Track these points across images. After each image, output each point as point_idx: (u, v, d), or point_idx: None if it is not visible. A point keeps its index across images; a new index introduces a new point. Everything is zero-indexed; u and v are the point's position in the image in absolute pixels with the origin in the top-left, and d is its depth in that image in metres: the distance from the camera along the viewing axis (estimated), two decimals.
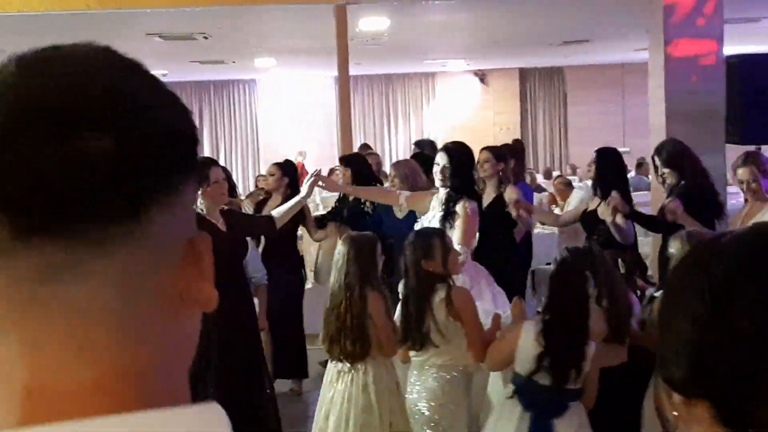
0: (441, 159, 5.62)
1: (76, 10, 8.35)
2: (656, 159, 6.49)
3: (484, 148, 7.03)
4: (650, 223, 6.47)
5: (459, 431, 4.38)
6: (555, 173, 17.23)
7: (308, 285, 7.78)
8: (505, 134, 20.25)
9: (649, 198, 9.51)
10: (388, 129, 20.72)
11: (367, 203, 7.20)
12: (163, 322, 0.72)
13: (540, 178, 15.99)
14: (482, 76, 20.19)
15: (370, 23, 10.97)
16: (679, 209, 5.50)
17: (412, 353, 4.42)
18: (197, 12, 9.23)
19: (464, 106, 20.38)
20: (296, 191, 7.11)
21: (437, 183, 5.64)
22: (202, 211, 5.17)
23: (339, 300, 4.41)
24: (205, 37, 11.96)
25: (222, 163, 19.65)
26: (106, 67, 0.74)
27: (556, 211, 10.50)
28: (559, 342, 3.79)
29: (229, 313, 5.22)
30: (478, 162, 6.59)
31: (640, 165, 15.29)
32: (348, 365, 4.43)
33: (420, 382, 4.38)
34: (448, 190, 5.53)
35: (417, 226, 5.40)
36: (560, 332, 3.80)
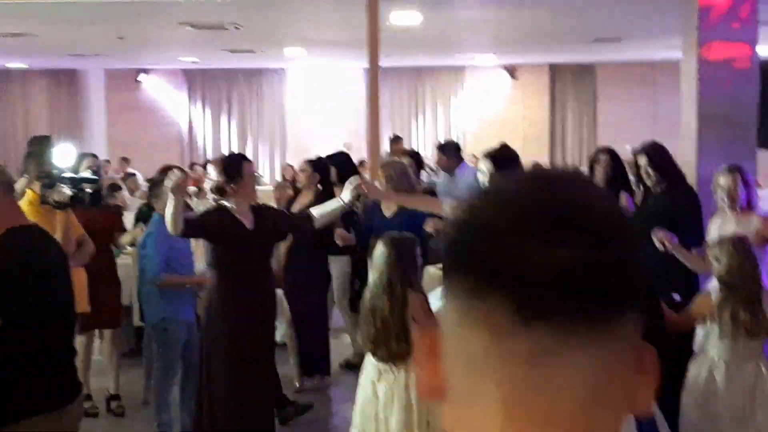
0: (485, 166, 5.24)
1: None
2: (640, 159, 6.39)
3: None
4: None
5: None
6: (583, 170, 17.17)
7: None
8: (534, 130, 20.20)
9: None
10: (416, 122, 20.68)
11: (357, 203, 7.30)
12: (615, 415, 0.84)
13: None
14: (512, 70, 20.11)
15: (401, 17, 10.96)
16: (671, 242, 5.40)
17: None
18: (228, 2, 9.26)
19: (493, 101, 20.31)
20: (328, 188, 7.12)
21: None
22: (232, 207, 5.19)
23: (381, 301, 4.43)
24: (236, 27, 12.00)
25: (249, 152, 19.82)
26: (599, 190, 0.90)
27: None
28: None
29: (257, 307, 5.25)
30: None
31: None
32: (389, 365, 4.45)
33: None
34: None
35: None
36: None
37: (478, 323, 0.82)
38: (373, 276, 4.57)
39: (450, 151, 8.91)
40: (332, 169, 7.51)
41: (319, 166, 7.51)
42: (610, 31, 13.41)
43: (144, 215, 7.15)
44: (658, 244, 5.36)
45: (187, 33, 12.51)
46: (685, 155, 8.77)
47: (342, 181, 7.16)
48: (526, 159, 17.35)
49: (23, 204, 5.70)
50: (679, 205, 5.91)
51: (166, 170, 6.13)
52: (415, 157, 9.28)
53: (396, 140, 13.86)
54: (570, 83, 20.37)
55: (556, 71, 20.26)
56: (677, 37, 9.04)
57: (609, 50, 16.32)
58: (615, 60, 18.90)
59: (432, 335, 0.88)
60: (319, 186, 7.19)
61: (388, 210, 6.59)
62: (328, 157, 7.89)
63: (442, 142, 9.95)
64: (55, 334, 3.45)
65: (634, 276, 0.84)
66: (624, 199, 6.10)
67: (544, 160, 17.78)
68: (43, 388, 3.37)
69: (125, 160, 17.60)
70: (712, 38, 8.32)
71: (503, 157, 5.31)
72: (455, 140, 10.96)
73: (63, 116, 20.16)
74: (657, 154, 6.38)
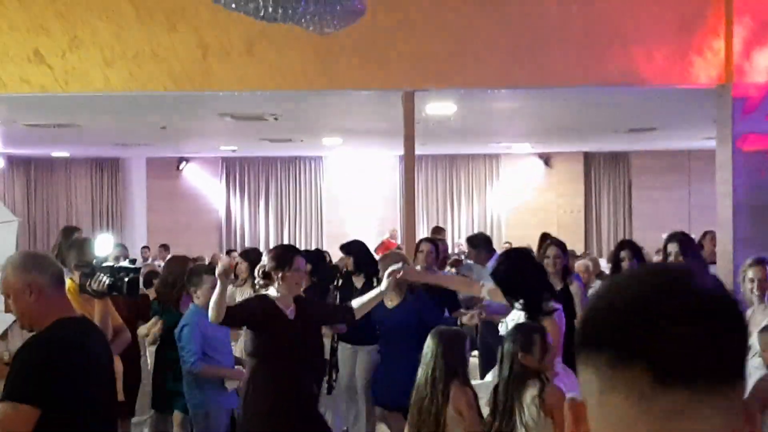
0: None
1: (154, 91, 8.58)
2: (671, 246, 6.75)
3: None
4: None
5: None
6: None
7: None
8: (568, 217, 20.17)
9: None
10: (452, 209, 20.74)
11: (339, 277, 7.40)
12: None
13: (603, 263, 15.82)
14: (547, 158, 20.18)
15: (437, 108, 11.09)
16: None
17: None
18: (267, 95, 9.43)
19: (528, 188, 20.35)
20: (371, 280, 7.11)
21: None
22: (275, 296, 5.20)
23: (424, 395, 4.43)
24: (275, 118, 12.18)
25: (285, 238, 19.91)
26: (710, 277, 1.10)
27: None
28: None
29: (294, 400, 5.21)
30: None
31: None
32: None
33: None
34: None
35: (502, 327, 5.14)
36: None
37: (622, 388, 1.01)
38: (420, 370, 4.55)
39: (480, 244, 8.88)
40: (350, 259, 7.58)
41: (251, 256, 7.63)
42: (644, 122, 13.45)
43: (155, 311, 7.06)
44: None
45: (226, 123, 12.72)
46: (721, 245, 8.70)
47: (359, 269, 7.24)
48: None
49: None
50: None
51: (194, 260, 6.24)
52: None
53: (437, 231, 13.84)
54: (604, 171, 20.39)
55: (590, 159, 20.31)
56: (712, 127, 9.06)
57: (643, 139, 16.34)
58: (649, 148, 18.92)
59: (578, 405, 1.06)
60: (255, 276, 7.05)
61: (390, 301, 6.56)
62: (345, 246, 7.94)
63: (472, 234, 9.93)
64: (97, 423, 3.46)
65: (745, 347, 1.06)
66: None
67: (580, 248, 17.69)
68: None
69: (164, 247, 17.73)
70: (747, 130, 8.33)
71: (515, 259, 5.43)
72: (485, 231, 10.91)
73: (105, 204, 20.46)
74: (687, 241, 6.69)
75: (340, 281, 7.74)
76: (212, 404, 6.06)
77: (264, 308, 5.15)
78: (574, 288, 6.67)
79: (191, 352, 5.98)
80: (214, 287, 6.01)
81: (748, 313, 5.78)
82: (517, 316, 5.02)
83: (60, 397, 3.23)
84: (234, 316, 5.14)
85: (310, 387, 5.54)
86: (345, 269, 7.81)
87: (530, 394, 4.21)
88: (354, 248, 7.77)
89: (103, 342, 3.71)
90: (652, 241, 16.80)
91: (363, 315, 5.55)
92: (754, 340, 4.91)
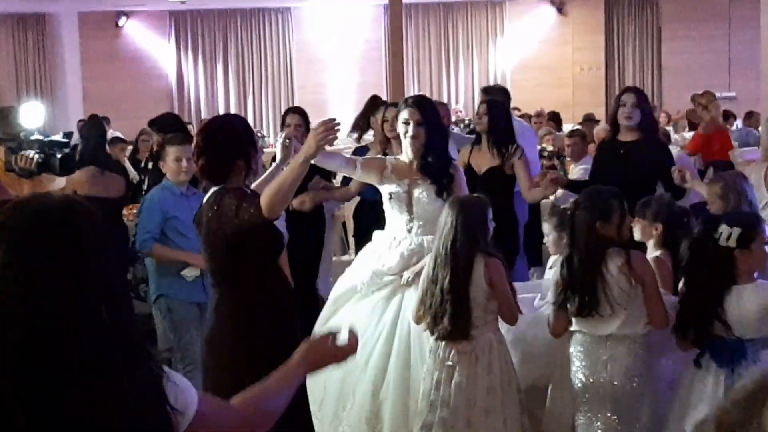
0: None
1: None
2: (625, 96, 6.64)
3: None
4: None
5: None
6: None
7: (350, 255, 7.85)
8: (587, 75, 20.12)
9: (758, 155, 9.43)
10: (447, 68, 20.64)
11: None
12: None
13: None
14: (560, 5, 20.05)
15: None
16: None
17: (576, 322, 4.58)
18: None
19: (538, 41, 20.29)
20: None
21: None
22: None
23: (445, 270, 4.56)
24: None
25: (250, 107, 19.85)
26: None
27: None
28: None
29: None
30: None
31: (750, 115, 15.08)
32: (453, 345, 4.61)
33: (608, 355, 4.50)
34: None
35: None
36: None
37: None
38: (436, 242, 4.68)
39: (499, 96, 8.55)
40: None
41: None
42: None
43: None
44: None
45: None
46: (765, 103, 8.75)
47: None
48: (578, 111, 17.33)
49: None
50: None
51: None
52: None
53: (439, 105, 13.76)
54: (629, 18, 20.27)
55: (612, 4, 20.16)
56: None
57: None
58: None
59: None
60: None
61: None
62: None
63: (488, 85, 9.81)
64: None
65: None
66: None
67: (600, 112, 17.70)
68: None
69: (105, 120, 17.65)
70: None
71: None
72: (503, 85, 10.78)
73: (30, 68, 20.26)
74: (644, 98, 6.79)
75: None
76: (174, 295, 6.07)
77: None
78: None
79: (145, 228, 6.00)
80: (178, 160, 6.05)
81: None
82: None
83: None
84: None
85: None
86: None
87: (615, 264, 4.41)
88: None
89: None
90: (685, 103, 16.84)
91: None
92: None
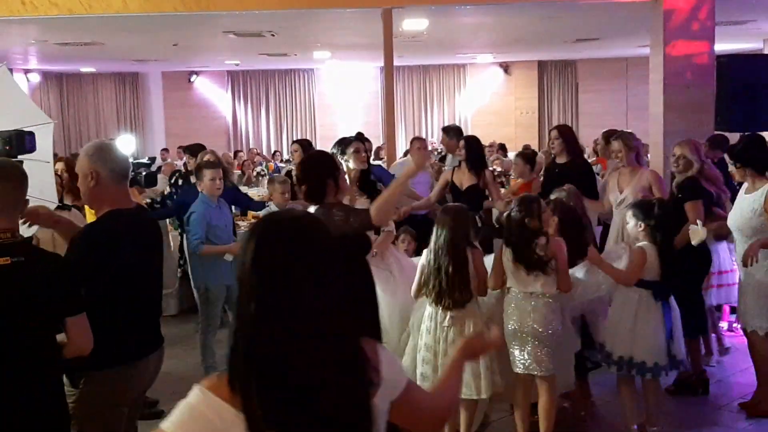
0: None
1: (165, 11, 8.43)
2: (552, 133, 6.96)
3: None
4: None
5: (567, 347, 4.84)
6: None
7: None
8: (525, 117, 20.13)
9: None
10: (425, 112, 20.62)
11: None
12: None
13: None
14: (506, 67, 20.01)
15: (411, 24, 10.94)
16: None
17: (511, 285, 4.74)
18: (266, 14, 9.28)
19: (490, 93, 20.22)
20: None
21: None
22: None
23: (446, 259, 4.63)
24: (272, 35, 12.01)
25: (284, 140, 19.84)
26: None
27: None
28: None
29: None
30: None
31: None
32: (451, 312, 4.67)
33: (530, 308, 4.65)
34: None
35: None
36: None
37: None
38: (434, 240, 4.71)
39: (452, 134, 8.80)
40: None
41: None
42: (589, 32, 13.34)
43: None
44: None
45: (230, 40, 12.53)
46: (653, 136, 8.77)
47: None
48: (519, 143, 17.34)
49: None
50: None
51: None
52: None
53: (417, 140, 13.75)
54: (555, 77, 20.25)
55: (543, 67, 20.15)
56: (647, 36, 9.01)
57: (589, 48, 16.23)
58: (594, 56, 18.79)
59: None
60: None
61: None
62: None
63: (447, 125, 9.89)
64: (141, 303, 3.50)
65: None
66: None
67: (534, 144, 17.74)
68: (136, 338, 3.46)
69: (182, 149, 17.62)
70: (676, 37, 8.30)
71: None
72: (458, 125, 10.87)
73: (128, 113, 20.26)
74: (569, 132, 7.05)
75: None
76: (211, 279, 6.08)
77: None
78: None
79: (195, 235, 5.99)
80: (213, 179, 6.02)
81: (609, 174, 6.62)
82: None
83: (97, 274, 3.25)
84: None
85: None
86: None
87: (540, 245, 4.62)
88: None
89: (154, 229, 3.70)
90: (595, 137, 16.81)
91: None
92: None
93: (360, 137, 7.35)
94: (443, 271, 4.62)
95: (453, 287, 4.62)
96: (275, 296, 1.60)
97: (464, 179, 6.93)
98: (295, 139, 20.18)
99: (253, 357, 1.58)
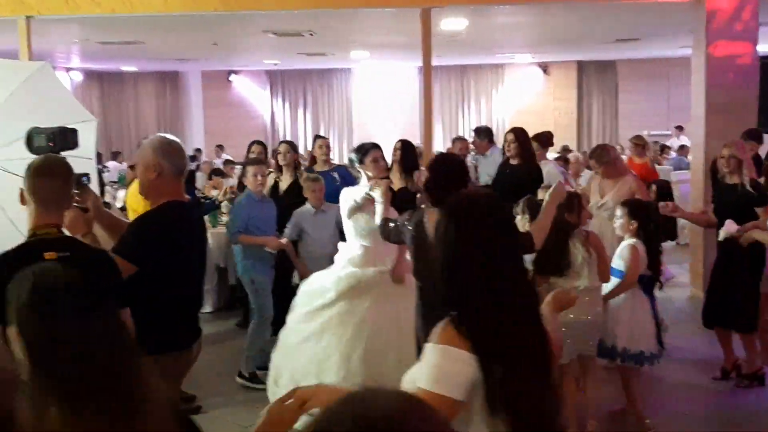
0: None
1: (206, 11, 8.51)
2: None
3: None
4: None
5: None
6: None
7: None
8: (563, 118, 19.98)
9: (689, 176, 9.35)
10: (462, 113, 20.57)
11: None
12: None
13: None
14: (545, 67, 19.89)
15: (450, 23, 10.92)
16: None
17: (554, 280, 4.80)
18: (305, 13, 9.32)
19: (528, 94, 20.11)
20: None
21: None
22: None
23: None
24: (311, 34, 12.06)
25: None
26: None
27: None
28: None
29: None
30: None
31: (682, 148, 14.97)
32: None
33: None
34: None
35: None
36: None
37: None
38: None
39: (483, 135, 8.85)
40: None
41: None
42: (630, 33, 13.20)
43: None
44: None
45: (269, 39, 12.61)
46: (695, 138, 8.66)
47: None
48: (557, 144, 17.28)
49: (133, 190, 5.86)
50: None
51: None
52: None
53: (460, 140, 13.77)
54: (594, 78, 20.08)
55: (583, 67, 19.98)
56: (689, 37, 8.90)
57: (629, 49, 16.06)
58: (634, 57, 18.59)
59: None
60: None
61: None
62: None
63: (477, 126, 9.87)
64: (187, 288, 3.61)
65: None
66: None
67: (573, 144, 17.60)
68: (179, 329, 3.55)
69: (220, 148, 17.81)
70: (719, 38, 8.18)
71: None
72: (489, 126, 10.86)
73: (167, 111, 20.48)
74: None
75: None
76: (255, 270, 6.20)
77: None
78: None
79: (234, 225, 6.18)
80: (255, 176, 6.15)
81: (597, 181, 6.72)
82: None
83: (153, 260, 3.37)
84: None
85: None
86: None
87: (578, 239, 4.77)
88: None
89: (201, 225, 3.87)
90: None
91: None
92: None
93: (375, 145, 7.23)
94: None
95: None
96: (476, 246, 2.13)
97: (397, 182, 6.65)
98: (331, 137, 20.34)
99: (478, 302, 2.05)
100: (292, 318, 5.41)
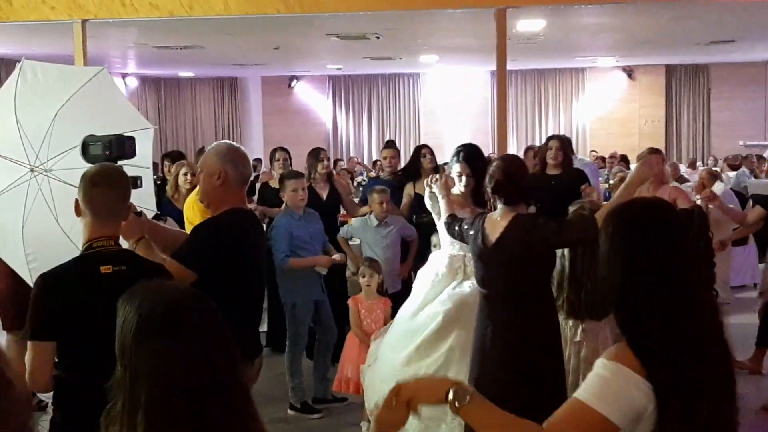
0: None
1: (267, 14, 8.62)
2: (551, 142, 7.27)
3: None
4: None
5: None
6: (699, 164, 16.60)
7: None
8: (650, 126, 19.65)
9: None
10: (539, 120, 20.41)
11: None
12: None
13: (683, 168, 15.46)
14: (630, 71, 19.61)
15: (527, 24, 10.85)
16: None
17: None
18: (371, 15, 9.37)
19: (611, 100, 19.86)
20: None
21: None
22: None
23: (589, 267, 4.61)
24: (377, 37, 12.12)
25: None
26: None
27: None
28: None
29: None
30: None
31: None
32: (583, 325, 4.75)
33: None
34: None
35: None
36: None
37: None
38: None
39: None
40: None
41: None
42: (724, 34, 12.92)
43: None
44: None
45: (333, 43, 12.71)
46: None
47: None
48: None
49: (190, 202, 5.94)
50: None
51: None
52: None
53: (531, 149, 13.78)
54: (685, 83, 19.71)
55: (672, 71, 19.64)
56: None
57: (723, 51, 15.71)
58: (728, 60, 18.18)
59: None
60: None
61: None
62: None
63: (553, 135, 9.82)
64: (246, 290, 3.67)
65: None
66: None
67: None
68: (246, 340, 3.57)
69: (286, 152, 17.92)
70: None
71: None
72: (568, 136, 10.83)
73: (225, 119, 20.82)
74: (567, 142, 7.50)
75: None
76: (298, 296, 6.15)
77: None
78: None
79: (280, 250, 6.08)
80: (295, 190, 6.11)
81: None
82: None
83: (217, 268, 3.44)
84: None
85: None
86: None
87: None
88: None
89: (261, 233, 3.99)
90: (729, 149, 16.29)
91: None
92: None
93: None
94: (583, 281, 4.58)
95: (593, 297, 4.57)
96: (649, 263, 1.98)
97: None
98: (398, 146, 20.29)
99: (657, 325, 1.93)
100: (394, 338, 5.26)
